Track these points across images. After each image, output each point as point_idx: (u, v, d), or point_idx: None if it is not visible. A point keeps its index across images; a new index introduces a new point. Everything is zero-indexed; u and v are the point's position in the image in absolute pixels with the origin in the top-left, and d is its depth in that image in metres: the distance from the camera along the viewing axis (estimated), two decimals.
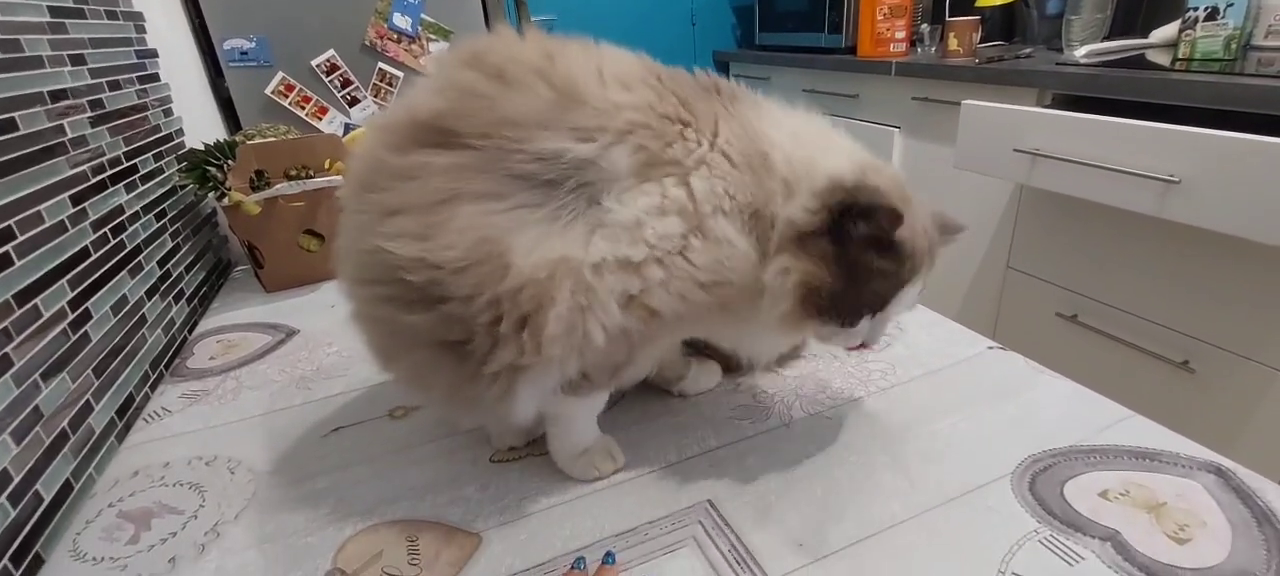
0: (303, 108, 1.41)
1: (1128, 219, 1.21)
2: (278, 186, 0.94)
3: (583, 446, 0.56)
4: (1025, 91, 1.45)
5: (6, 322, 0.59)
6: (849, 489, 0.51)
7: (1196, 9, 1.25)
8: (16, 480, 0.56)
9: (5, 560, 0.53)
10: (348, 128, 1.42)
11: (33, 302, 0.64)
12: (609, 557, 0.46)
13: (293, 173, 1.00)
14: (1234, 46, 1.22)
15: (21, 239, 0.64)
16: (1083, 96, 1.34)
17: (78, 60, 0.83)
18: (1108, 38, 1.59)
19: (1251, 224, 0.97)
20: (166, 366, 0.86)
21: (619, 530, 0.49)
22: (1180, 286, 1.20)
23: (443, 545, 0.50)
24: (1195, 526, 0.44)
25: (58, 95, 0.76)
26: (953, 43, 1.78)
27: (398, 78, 1.44)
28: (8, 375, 0.58)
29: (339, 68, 1.40)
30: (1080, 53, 1.50)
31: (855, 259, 0.45)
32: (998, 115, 1.33)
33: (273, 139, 1.04)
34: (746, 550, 0.47)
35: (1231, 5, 1.22)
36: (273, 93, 1.37)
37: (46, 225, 0.69)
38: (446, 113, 0.47)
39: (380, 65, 1.43)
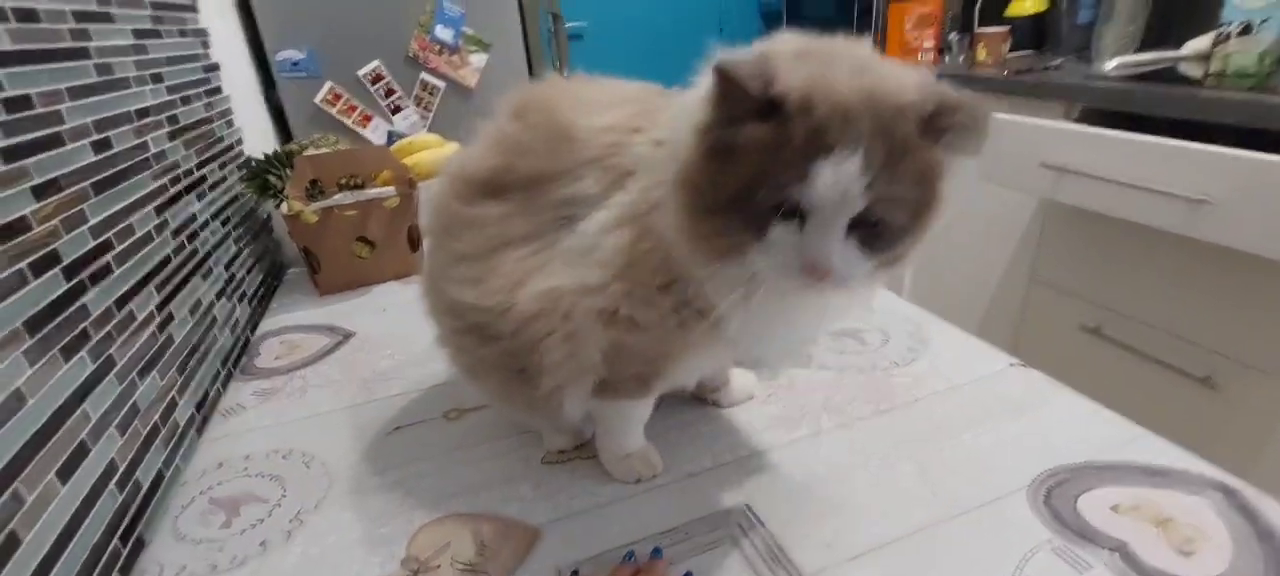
0: (349, 116, 1.47)
1: (1154, 233, 1.22)
2: (335, 197, 1.01)
3: (626, 450, 0.61)
4: (1054, 104, 1.47)
5: (109, 327, 0.66)
6: (874, 495, 0.56)
7: (1230, 23, 1.26)
8: (121, 469, 0.62)
9: (114, 540, 0.60)
10: (391, 136, 1.49)
11: (128, 307, 0.70)
12: (657, 552, 0.51)
13: (344, 182, 1.07)
14: (1268, 62, 1.22)
15: (118, 249, 0.71)
16: (1111, 111, 1.36)
17: (157, 78, 0.90)
18: (1140, 49, 1.59)
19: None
20: (235, 364, 0.93)
21: (664, 528, 0.54)
22: (1205, 301, 1.21)
23: (505, 538, 0.55)
24: (1200, 540, 0.48)
25: (142, 113, 0.83)
26: (982, 53, 1.79)
27: (439, 88, 1.50)
28: (112, 374, 0.64)
29: (383, 78, 1.47)
30: (1111, 64, 1.52)
31: (719, 136, 0.39)
32: (1025, 129, 1.35)
33: (326, 150, 1.11)
34: (780, 548, 0.51)
35: (1266, 21, 1.22)
36: (321, 102, 1.44)
37: (137, 236, 0.75)
38: (498, 166, 0.52)
39: (422, 76, 1.49)
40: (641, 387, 0.56)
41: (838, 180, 0.36)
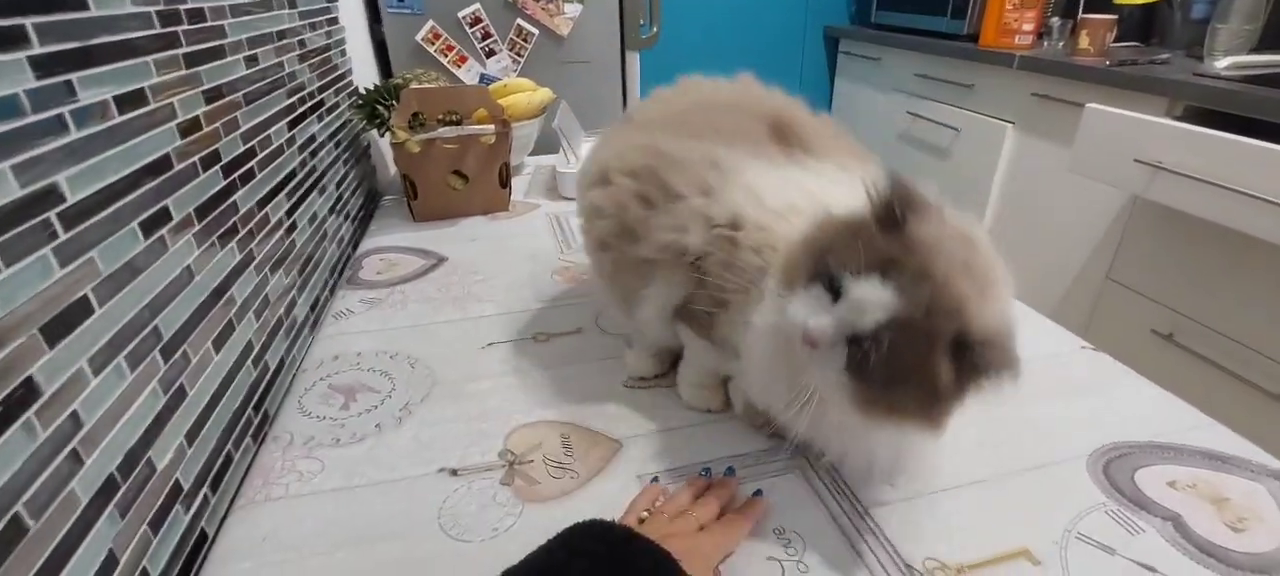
0: (446, 55, 1.54)
1: (1240, 241, 1.18)
2: (438, 130, 1.08)
3: (700, 382, 0.66)
4: (1155, 100, 1.41)
5: (251, 224, 0.74)
6: (937, 446, 0.59)
7: None
8: (256, 349, 0.71)
9: (249, 409, 0.69)
10: (484, 78, 1.55)
11: (265, 210, 0.79)
12: (730, 470, 0.56)
13: (443, 118, 1.13)
14: None
15: (260, 156, 0.79)
16: (1218, 111, 1.30)
17: (292, 3, 0.97)
18: (1255, 50, 1.51)
19: None
20: (341, 274, 1.02)
21: (738, 452, 0.59)
22: None
23: (591, 445, 0.61)
24: (1253, 520, 0.50)
25: (280, 35, 0.91)
26: (1083, 40, 1.73)
27: (533, 34, 1.55)
28: (251, 266, 0.73)
29: (482, 21, 1.52)
30: (1222, 64, 1.45)
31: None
32: (1122, 123, 1.31)
33: (428, 85, 1.17)
34: (844, 482, 0.56)
35: None
36: (422, 39, 1.51)
37: (273, 146, 0.83)
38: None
39: (518, 21, 1.54)
40: (702, 330, 0.60)
41: (879, 301, 0.41)
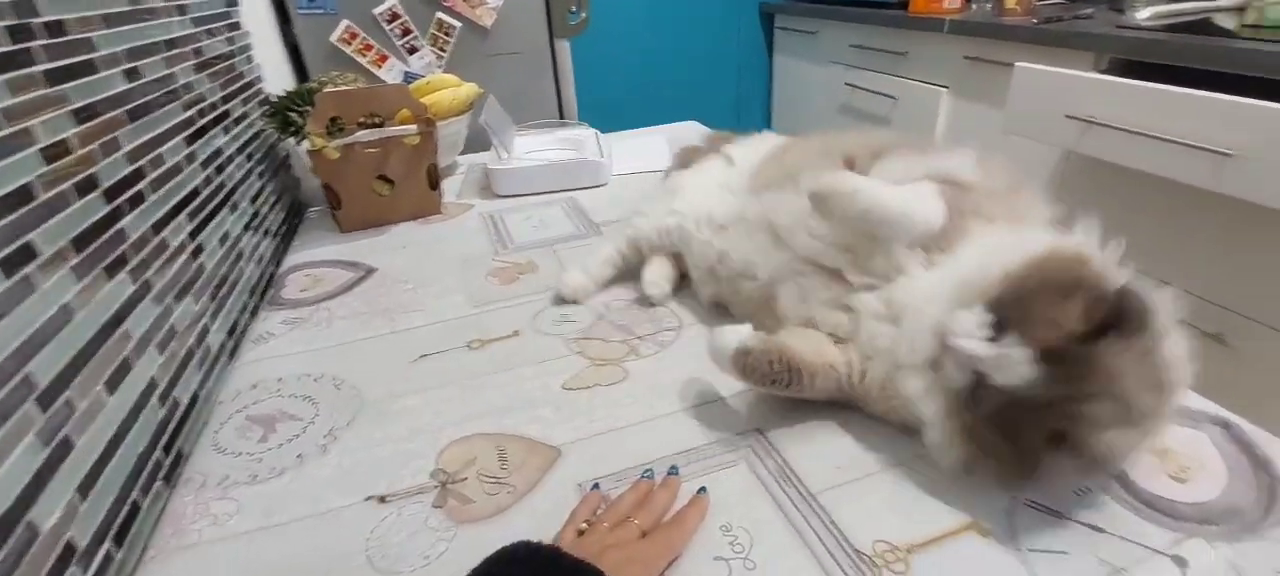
0: (364, 55, 1.47)
1: (1173, 190, 1.21)
2: (356, 133, 1.02)
3: None
4: (1082, 55, 1.44)
5: (145, 251, 0.68)
6: (883, 426, 0.58)
7: None
8: (162, 385, 0.66)
9: (158, 450, 0.63)
10: (407, 77, 1.48)
11: (162, 234, 0.72)
12: (673, 469, 0.54)
13: (364, 121, 1.07)
14: None
15: (152, 177, 0.73)
16: (1142, 62, 1.33)
17: (182, 10, 0.90)
18: None
19: None
20: (262, 295, 0.96)
21: (680, 449, 0.57)
22: (1220, 259, 1.21)
23: (528, 455, 0.58)
24: (1196, 468, 0.50)
25: (170, 44, 0.84)
26: (1011, 1, 1.75)
27: (455, 27, 1.49)
28: (149, 296, 0.67)
29: (399, 17, 1.46)
30: (1144, 14, 1.48)
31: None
32: (1051, 79, 1.33)
33: (345, 88, 1.11)
34: (791, 469, 0.54)
35: None
36: (337, 40, 1.44)
37: (168, 165, 0.77)
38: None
39: (438, 14, 1.48)
40: None
41: (1019, 375, 0.43)
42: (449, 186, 1.27)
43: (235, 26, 1.11)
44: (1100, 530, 0.46)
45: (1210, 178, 1.09)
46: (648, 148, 1.38)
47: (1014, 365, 0.42)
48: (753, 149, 0.87)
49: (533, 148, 1.29)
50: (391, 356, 0.75)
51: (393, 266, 0.97)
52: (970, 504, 0.49)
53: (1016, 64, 1.39)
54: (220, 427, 0.65)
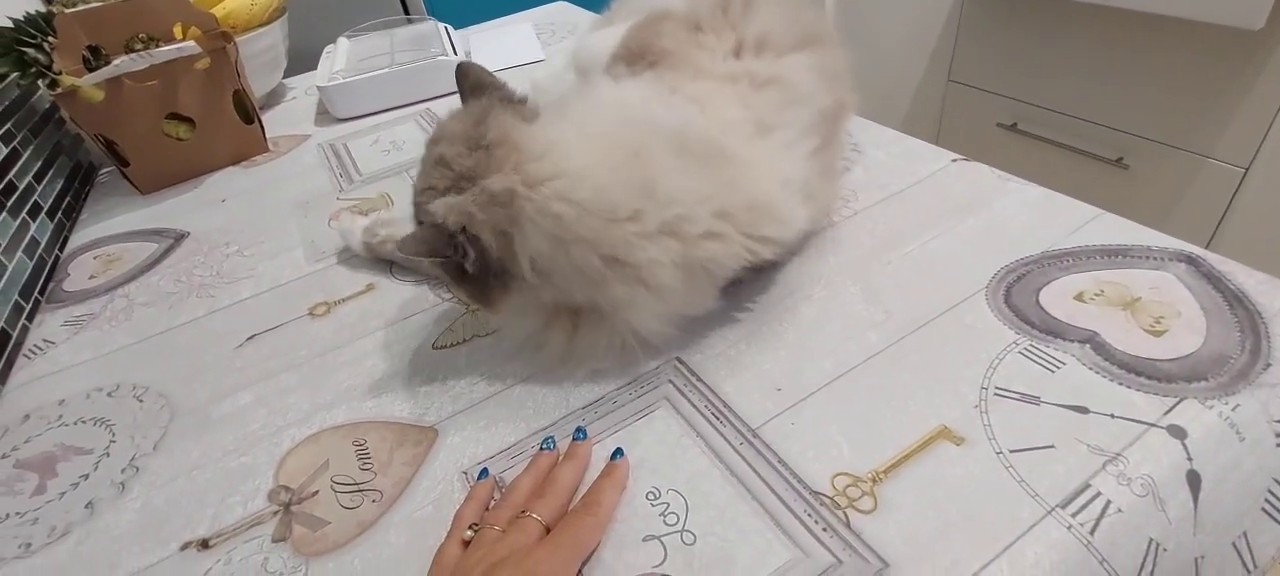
0: None
1: (1067, 21, 1.17)
2: (117, 61, 0.78)
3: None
4: None
5: None
6: (821, 325, 0.49)
7: None
8: None
9: None
10: None
11: None
12: (580, 432, 0.42)
13: (136, 45, 0.83)
14: None
15: None
16: None
17: None
18: None
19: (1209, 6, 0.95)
20: (41, 293, 0.75)
21: (585, 403, 0.46)
22: (1115, 85, 1.19)
23: (396, 444, 0.45)
24: (1171, 317, 0.44)
25: None
26: None
27: None
28: None
29: None
30: None
31: None
32: None
33: (98, 5, 0.85)
34: (723, 402, 0.44)
35: None
36: None
37: None
38: None
39: None
40: None
41: None
42: (275, 118, 1.04)
43: None
44: (1084, 409, 0.39)
45: None
46: (514, 36, 1.19)
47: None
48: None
49: (372, 53, 1.07)
50: (211, 345, 0.58)
51: (210, 227, 0.77)
52: (935, 406, 0.41)
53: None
54: None
